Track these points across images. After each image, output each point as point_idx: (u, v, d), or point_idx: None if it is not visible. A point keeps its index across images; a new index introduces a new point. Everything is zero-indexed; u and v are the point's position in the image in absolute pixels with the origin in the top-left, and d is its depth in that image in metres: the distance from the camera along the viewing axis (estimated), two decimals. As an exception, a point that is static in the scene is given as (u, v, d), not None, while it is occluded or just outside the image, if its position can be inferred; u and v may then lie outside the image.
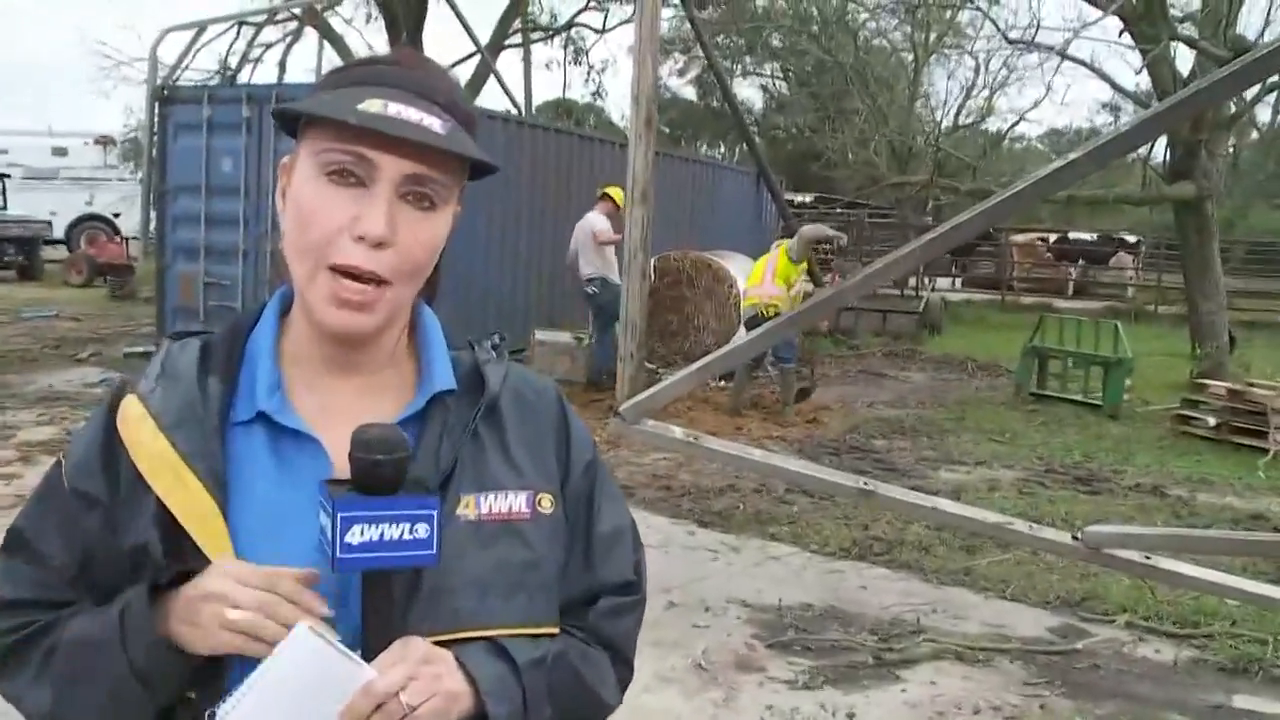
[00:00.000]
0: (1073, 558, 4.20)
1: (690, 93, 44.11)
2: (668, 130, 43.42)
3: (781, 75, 40.63)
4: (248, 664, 1.05)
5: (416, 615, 1.11)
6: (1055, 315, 13.18)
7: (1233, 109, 13.59)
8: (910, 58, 33.51)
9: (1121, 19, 12.91)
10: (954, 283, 26.38)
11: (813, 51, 33.20)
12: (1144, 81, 13.56)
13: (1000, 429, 10.26)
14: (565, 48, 26.93)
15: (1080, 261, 26.60)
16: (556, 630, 1.20)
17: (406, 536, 1.05)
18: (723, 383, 10.56)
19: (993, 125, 40.08)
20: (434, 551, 1.07)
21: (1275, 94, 45.08)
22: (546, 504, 1.22)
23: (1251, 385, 10.42)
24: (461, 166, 1.15)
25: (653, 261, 12.13)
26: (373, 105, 1.07)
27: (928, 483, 7.94)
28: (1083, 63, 13.76)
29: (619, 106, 45.75)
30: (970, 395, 12.35)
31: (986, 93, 38.86)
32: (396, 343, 1.21)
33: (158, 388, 1.17)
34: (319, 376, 1.19)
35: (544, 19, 25.14)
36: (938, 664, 4.94)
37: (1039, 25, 28.83)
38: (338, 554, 1.04)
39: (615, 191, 11.01)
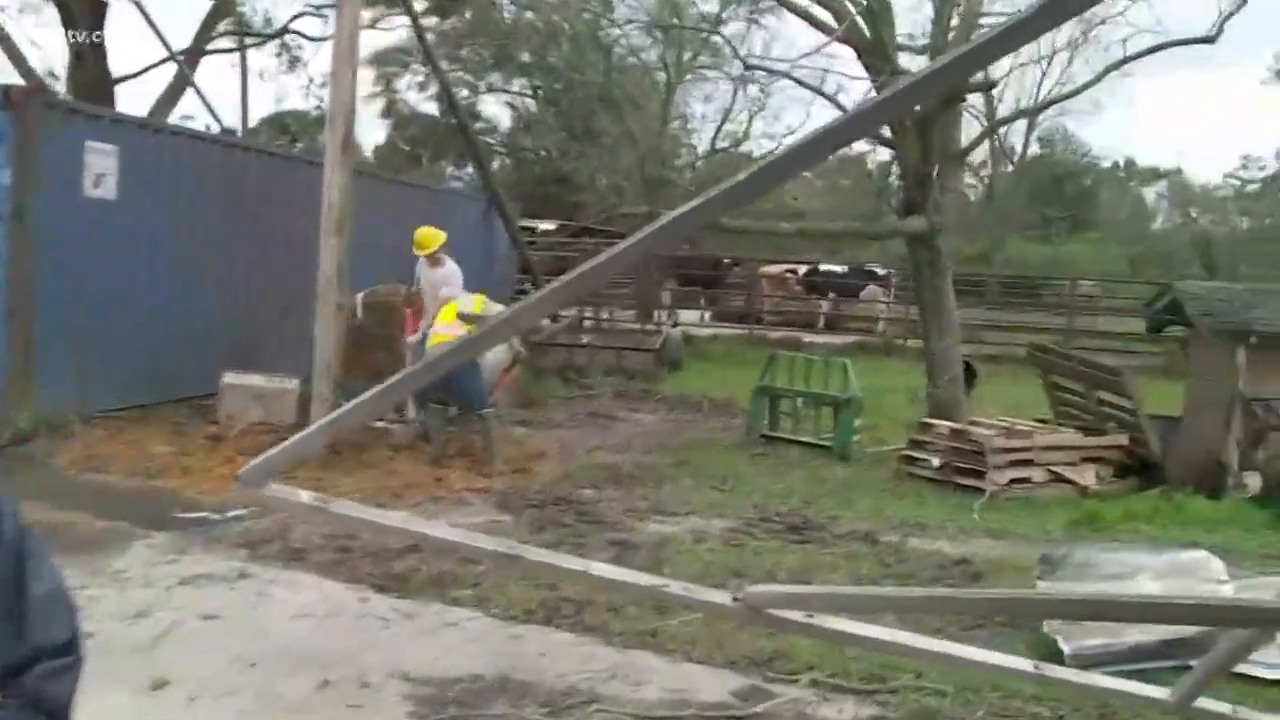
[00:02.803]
0: (735, 619, 4.34)
1: (432, 108, 43.89)
2: (407, 148, 43.07)
3: (531, 93, 41.01)
4: None
5: None
6: (787, 353, 13.67)
7: (963, 142, 14.48)
8: (664, 77, 34.45)
9: (853, 48, 13.60)
10: (703, 316, 27.10)
11: (561, 68, 33.68)
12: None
13: (723, 474, 10.54)
14: (279, 55, 26.22)
15: (831, 295, 27.86)
16: None
17: None
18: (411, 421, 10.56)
19: (752, 150, 41.61)
20: None
21: (1026, 125, 47.94)
22: None
23: (974, 424, 11.10)
24: None
25: (359, 297, 11.97)
26: None
27: (631, 536, 8.05)
28: (812, 87, 14.44)
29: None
30: (700, 438, 12.67)
31: (745, 117, 40.44)
32: None
33: None
34: None
35: (257, 21, 24.46)
36: (605, 737, 4.97)
37: (767, 49, 30.12)
38: None
39: (418, 235, 11.11)
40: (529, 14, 32.51)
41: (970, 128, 32.40)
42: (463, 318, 10.11)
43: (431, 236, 11.27)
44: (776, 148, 38.98)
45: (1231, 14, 13.00)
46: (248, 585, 6.83)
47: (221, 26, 22.02)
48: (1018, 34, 1.06)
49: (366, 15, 10.13)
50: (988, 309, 30.11)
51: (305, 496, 3.55)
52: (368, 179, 14.56)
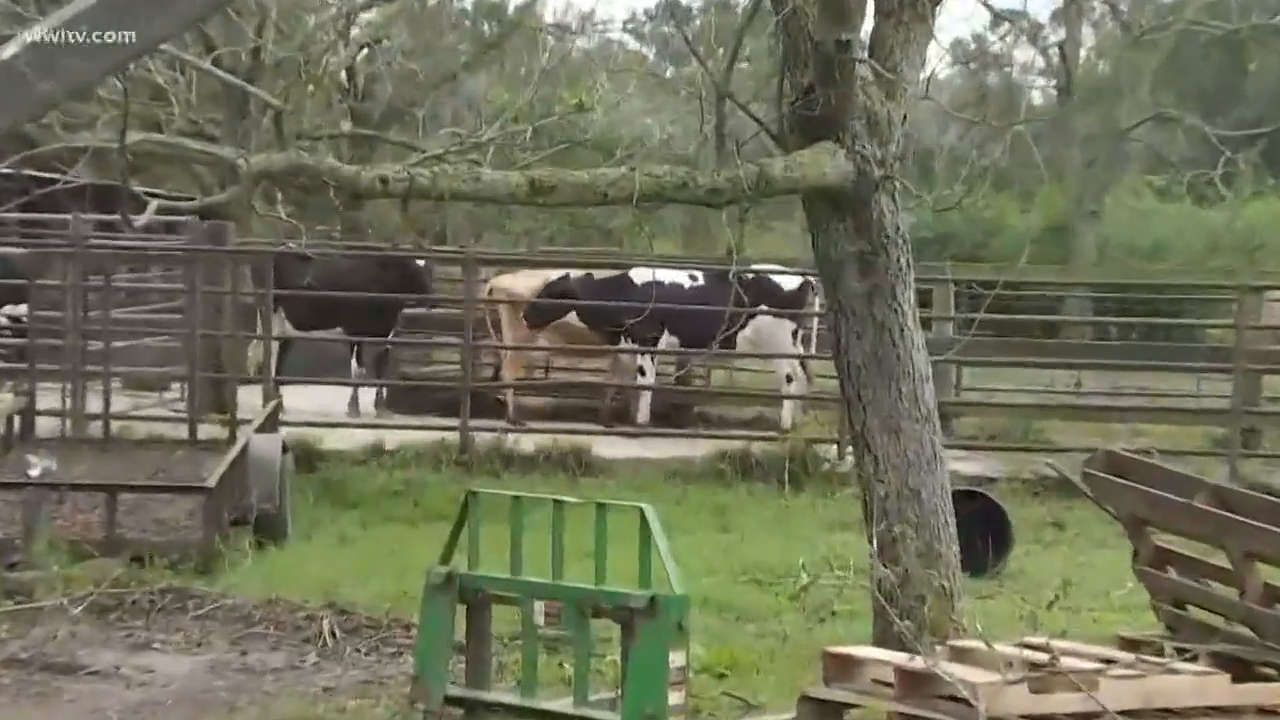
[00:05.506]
0: None
1: None
2: None
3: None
4: None
5: None
6: (500, 493, 13.21)
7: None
8: None
9: None
10: (355, 396, 27.10)
11: None
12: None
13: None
14: None
15: (667, 336, 27.81)
16: None
17: None
18: None
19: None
20: None
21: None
22: None
23: (959, 652, 10.62)
24: None
25: None
26: None
27: None
28: None
29: None
30: (297, 713, 12.16)
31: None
32: None
33: None
34: None
35: None
36: None
37: None
38: None
39: None
40: None
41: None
42: None
43: None
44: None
45: None
46: None
47: None
48: None
49: None
50: (1058, 360, 30.57)
51: None
52: None
